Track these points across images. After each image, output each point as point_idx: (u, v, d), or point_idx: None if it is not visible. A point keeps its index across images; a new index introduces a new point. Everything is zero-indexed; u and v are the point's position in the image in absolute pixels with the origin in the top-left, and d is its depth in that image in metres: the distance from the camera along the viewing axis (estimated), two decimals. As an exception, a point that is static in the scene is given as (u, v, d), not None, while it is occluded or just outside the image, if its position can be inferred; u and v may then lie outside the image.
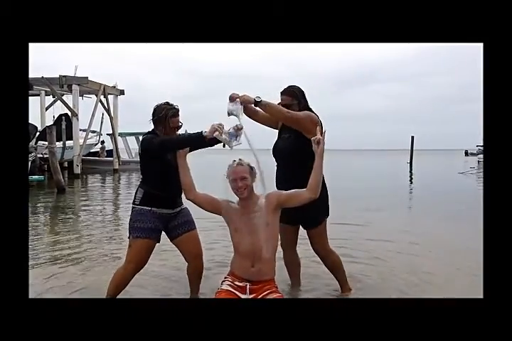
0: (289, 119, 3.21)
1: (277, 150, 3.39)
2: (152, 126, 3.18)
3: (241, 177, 2.85)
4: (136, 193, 3.20)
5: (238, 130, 2.99)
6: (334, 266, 3.46)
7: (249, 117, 3.32)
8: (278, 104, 3.26)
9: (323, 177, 3.28)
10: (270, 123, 3.45)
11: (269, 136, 3.52)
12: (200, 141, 2.99)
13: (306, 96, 3.35)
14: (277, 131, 3.47)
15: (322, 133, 2.98)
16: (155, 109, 3.12)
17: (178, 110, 3.11)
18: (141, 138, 3.36)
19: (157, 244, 3.23)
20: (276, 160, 3.42)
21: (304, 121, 3.20)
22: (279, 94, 3.33)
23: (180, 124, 3.15)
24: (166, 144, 3.06)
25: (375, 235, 5.92)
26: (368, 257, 4.73)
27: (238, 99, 3.10)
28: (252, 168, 2.91)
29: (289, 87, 3.34)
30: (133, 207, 3.19)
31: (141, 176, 3.25)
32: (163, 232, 3.26)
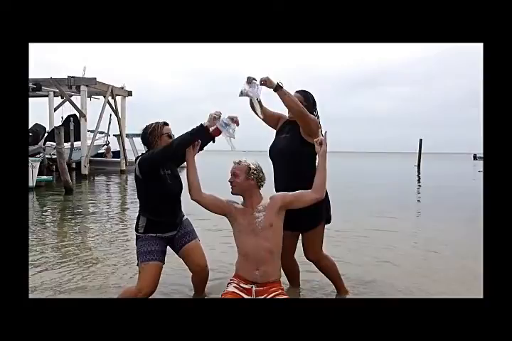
0: (301, 114, 3.16)
1: (276, 149, 3.36)
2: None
3: (233, 174, 2.91)
4: (138, 221, 3.13)
5: (232, 121, 2.93)
6: (326, 270, 3.45)
7: (254, 111, 3.26)
8: None
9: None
10: (272, 122, 3.48)
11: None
12: (201, 132, 2.92)
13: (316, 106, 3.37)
14: (274, 131, 3.46)
15: (323, 135, 2.99)
16: (144, 131, 3.12)
17: (165, 122, 3.11)
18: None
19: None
20: (273, 162, 3.38)
21: (311, 122, 3.20)
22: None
23: (172, 134, 3.10)
24: (168, 148, 2.93)
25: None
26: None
27: (257, 83, 3.04)
28: (250, 168, 2.89)
29: (304, 90, 3.36)
30: (137, 236, 3.13)
31: (138, 202, 3.15)
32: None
